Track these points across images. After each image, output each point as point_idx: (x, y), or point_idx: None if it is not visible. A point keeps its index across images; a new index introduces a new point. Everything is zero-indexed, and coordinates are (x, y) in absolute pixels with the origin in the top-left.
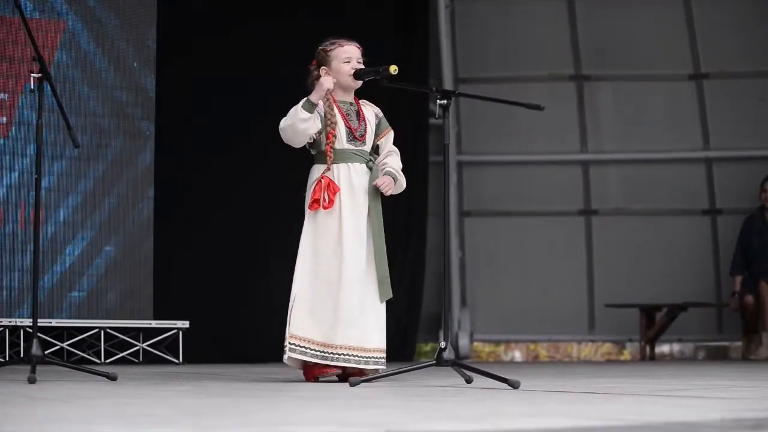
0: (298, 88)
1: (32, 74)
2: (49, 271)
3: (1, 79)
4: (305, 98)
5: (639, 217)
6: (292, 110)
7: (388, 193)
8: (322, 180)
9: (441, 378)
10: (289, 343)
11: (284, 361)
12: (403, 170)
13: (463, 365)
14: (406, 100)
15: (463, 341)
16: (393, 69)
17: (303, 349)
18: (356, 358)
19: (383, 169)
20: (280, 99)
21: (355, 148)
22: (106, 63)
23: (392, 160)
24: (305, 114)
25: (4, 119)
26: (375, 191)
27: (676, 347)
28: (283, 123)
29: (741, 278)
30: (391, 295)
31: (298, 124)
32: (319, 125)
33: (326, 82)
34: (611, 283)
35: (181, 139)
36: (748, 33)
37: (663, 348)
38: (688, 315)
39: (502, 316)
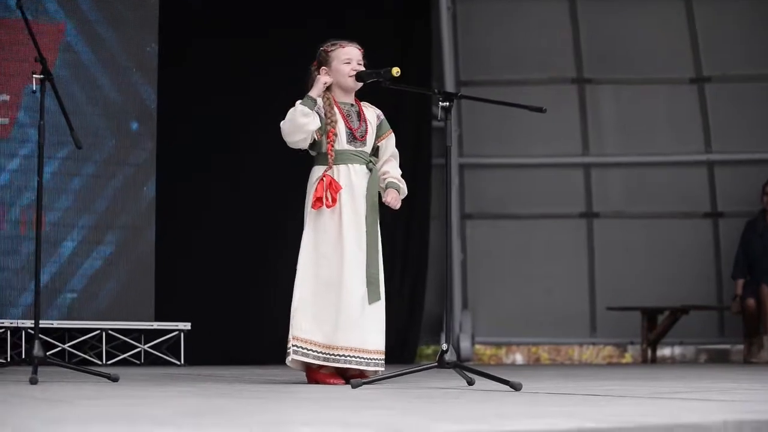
0: (299, 92)
1: (34, 75)
2: (50, 273)
3: (4, 80)
4: (305, 98)
5: (640, 220)
6: (292, 108)
7: (397, 207)
8: (324, 179)
9: (443, 380)
10: (293, 345)
11: (287, 363)
12: (405, 173)
13: (465, 367)
14: (408, 103)
15: (465, 344)
16: (395, 71)
17: (306, 351)
18: (357, 359)
19: (384, 179)
20: (281, 104)
21: (355, 149)
22: (105, 69)
23: (393, 168)
24: (305, 109)
25: (6, 120)
26: (374, 194)
27: (677, 350)
28: (284, 121)
29: (743, 281)
30: (380, 297)
31: (299, 118)
32: (318, 123)
33: (324, 77)
34: (613, 286)
35: (182, 140)
36: (750, 36)
37: (664, 351)
38: (690, 318)
39: (504, 318)
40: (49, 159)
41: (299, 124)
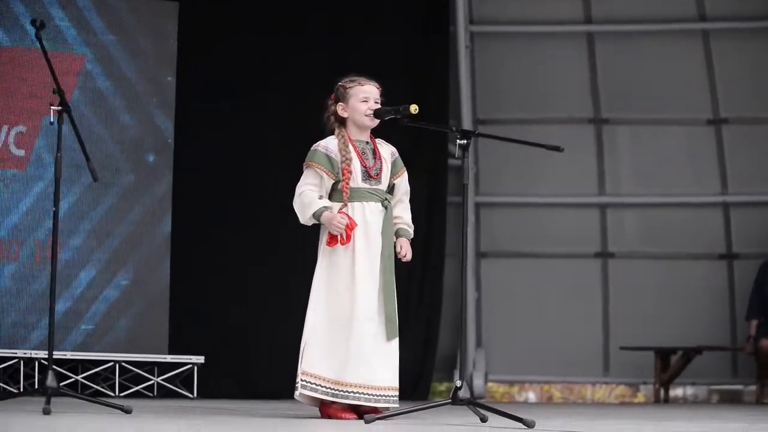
0: (319, 122)
1: (52, 107)
2: (65, 305)
3: (20, 113)
4: (322, 210)
5: (655, 260)
6: (307, 200)
7: (408, 259)
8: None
9: (456, 417)
10: (301, 379)
11: (296, 397)
12: (421, 210)
13: (479, 404)
14: (425, 141)
15: (478, 381)
16: (413, 108)
17: (314, 386)
18: (366, 395)
19: (396, 224)
20: (301, 128)
21: (370, 186)
22: (123, 99)
23: (404, 211)
24: (311, 221)
25: (22, 152)
26: (389, 232)
27: (689, 391)
28: (296, 206)
29: (757, 322)
30: (398, 335)
31: (303, 220)
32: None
33: (342, 221)
34: (626, 326)
35: (199, 171)
36: None
37: (677, 391)
38: (703, 358)
39: (517, 356)
40: (66, 192)
41: (303, 221)
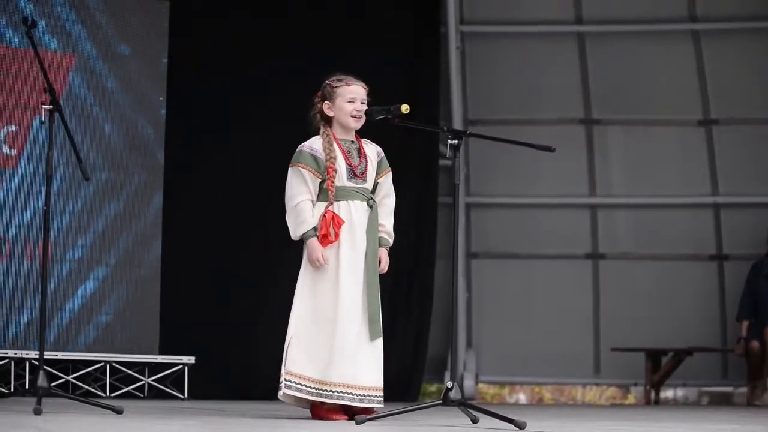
0: (304, 124)
1: (43, 106)
2: (58, 306)
3: (12, 111)
4: (311, 235)
5: (646, 261)
6: (300, 218)
7: (385, 271)
8: (326, 215)
9: (447, 418)
10: (285, 379)
11: (279, 397)
12: (411, 211)
13: (470, 405)
14: (416, 141)
15: (468, 382)
16: (404, 108)
17: (298, 386)
18: (350, 395)
19: (378, 231)
20: (294, 128)
21: (355, 185)
22: (117, 94)
23: (386, 218)
24: (298, 238)
25: (13, 152)
26: (372, 230)
27: (679, 392)
28: (289, 220)
29: (747, 323)
30: (381, 335)
31: (294, 237)
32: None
33: (318, 256)
34: (617, 327)
35: (191, 178)
36: (759, 80)
37: (667, 393)
38: (694, 360)
39: (508, 358)
40: (76, 193)
41: (296, 237)
